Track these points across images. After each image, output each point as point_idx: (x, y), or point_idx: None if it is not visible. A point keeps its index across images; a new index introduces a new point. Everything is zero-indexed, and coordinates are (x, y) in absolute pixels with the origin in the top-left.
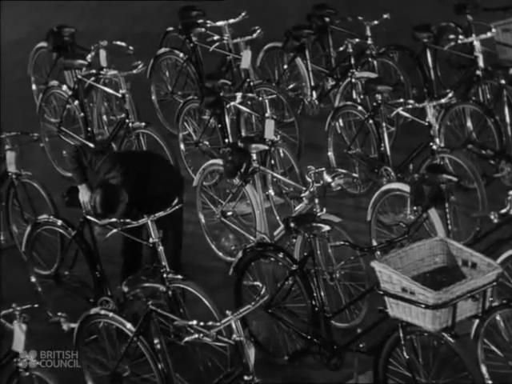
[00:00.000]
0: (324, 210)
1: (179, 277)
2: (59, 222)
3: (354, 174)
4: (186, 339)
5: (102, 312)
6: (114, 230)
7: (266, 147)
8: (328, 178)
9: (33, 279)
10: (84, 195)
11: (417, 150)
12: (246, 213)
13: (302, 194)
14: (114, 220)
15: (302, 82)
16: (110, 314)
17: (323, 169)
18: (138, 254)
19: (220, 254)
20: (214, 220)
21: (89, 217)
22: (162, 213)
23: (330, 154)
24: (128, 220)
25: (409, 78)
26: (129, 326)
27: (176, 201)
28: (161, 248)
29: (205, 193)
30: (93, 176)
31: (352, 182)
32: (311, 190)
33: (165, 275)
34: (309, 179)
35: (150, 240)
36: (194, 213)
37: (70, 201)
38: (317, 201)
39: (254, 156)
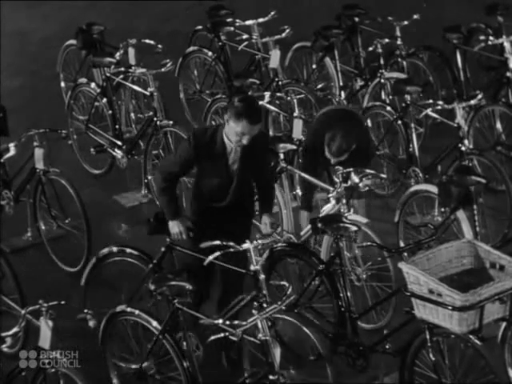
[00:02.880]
0: (351, 210)
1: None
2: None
3: (382, 175)
4: (212, 338)
5: (129, 309)
6: (209, 258)
7: (294, 147)
8: (356, 179)
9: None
10: (174, 227)
11: (445, 151)
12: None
13: (330, 195)
14: (216, 243)
15: (331, 82)
16: (137, 312)
17: (351, 169)
18: (209, 279)
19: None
20: None
21: (178, 247)
22: (267, 240)
23: None
24: (231, 243)
25: (438, 79)
26: (155, 323)
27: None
28: (262, 276)
29: None
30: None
31: (380, 183)
32: (338, 190)
33: (265, 305)
34: (336, 179)
35: (252, 267)
36: None
37: (156, 228)
38: (344, 201)
39: (282, 155)
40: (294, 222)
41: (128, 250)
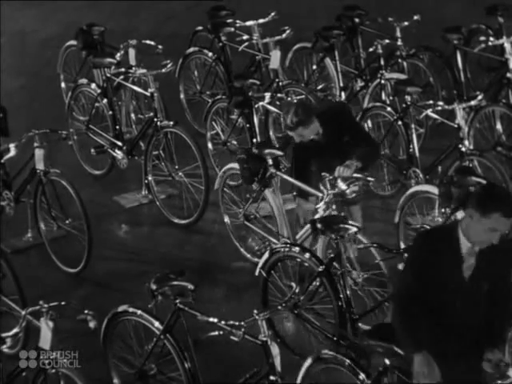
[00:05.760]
0: (342, 213)
1: None
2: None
3: (369, 178)
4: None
5: (130, 310)
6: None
7: (281, 153)
8: (342, 186)
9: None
10: (420, 365)
11: (446, 152)
12: (269, 214)
13: (317, 206)
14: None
15: (331, 83)
16: (138, 312)
17: (337, 176)
18: None
19: (247, 255)
20: (239, 220)
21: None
22: None
23: None
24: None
25: (438, 80)
26: (156, 324)
27: None
28: None
29: (228, 194)
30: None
31: (380, 185)
32: (326, 200)
33: None
34: (323, 188)
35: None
36: (220, 213)
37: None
38: (334, 207)
39: (270, 161)
40: (292, 224)
41: None
